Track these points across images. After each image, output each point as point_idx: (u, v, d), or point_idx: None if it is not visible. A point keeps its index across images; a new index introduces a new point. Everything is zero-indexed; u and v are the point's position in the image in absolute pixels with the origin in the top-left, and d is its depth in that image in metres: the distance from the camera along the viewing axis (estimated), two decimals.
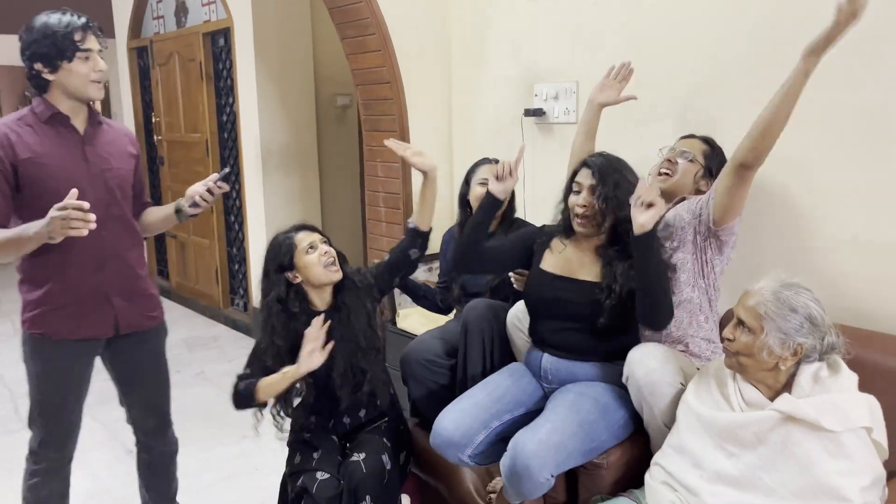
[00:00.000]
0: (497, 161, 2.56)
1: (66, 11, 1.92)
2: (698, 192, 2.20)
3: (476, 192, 2.62)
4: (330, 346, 2.07)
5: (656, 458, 1.86)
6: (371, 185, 3.52)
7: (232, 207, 5.06)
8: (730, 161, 1.93)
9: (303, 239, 2.13)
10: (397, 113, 3.27)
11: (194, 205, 2.14)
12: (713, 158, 2.23)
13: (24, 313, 2.04)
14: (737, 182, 1.91)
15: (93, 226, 1.70)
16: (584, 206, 2.05)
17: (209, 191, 2.13)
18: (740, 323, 1.66)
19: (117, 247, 2.07)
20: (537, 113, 3.01)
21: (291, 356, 2.09)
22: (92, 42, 1.92)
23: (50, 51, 1.87)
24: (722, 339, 1.74)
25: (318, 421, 2.26)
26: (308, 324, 2.10)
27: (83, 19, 1.92)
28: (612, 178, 2.02)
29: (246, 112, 4.56)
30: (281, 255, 2.12)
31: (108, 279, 2.06)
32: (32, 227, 1.77)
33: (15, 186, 1.92)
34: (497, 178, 2.14)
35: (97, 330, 2.08)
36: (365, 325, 2.18)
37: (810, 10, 2.18)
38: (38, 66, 1.91)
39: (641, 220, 1.86)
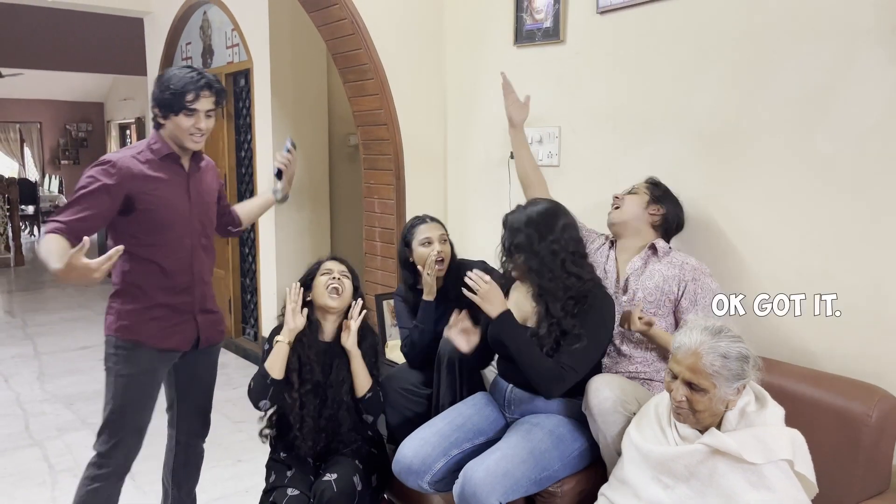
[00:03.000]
0: (432, 219, 2.69)
1: (192, 70, 2.14)
2: (652, 217, 2.37)
3: (422, 254, 2.59)
4: (304, 314, 2.30)
5: (603, 488, 1.93)
6: (368, 220, 3.67)
7: (247, 240, 5.25)
8: None
9: (328, 266, 2.37)
10: (393, 153, 3.44)
11: (278, 174, 2.52)
12: (657, 189, 2.42)
13: (118, 321, 2.21)
14: None
15: (98, 276, 1.80)
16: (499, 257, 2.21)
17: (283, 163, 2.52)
18: (690, 385, 1.68)
19: (203, 271, 2.31)
20: None
21: (298, 376, 2.31)
22: (202, 103, 2.12)
23: (164, 102, 2.13)
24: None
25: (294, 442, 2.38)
26: (312, 348, 2.31)
27: (202, 81, 2.12)
28: (520, 238, 2.12)
29: (262, 149, 4.77)
30: (307, 274, 2.40)
31: (195, 299, 2.28)
32: (51, 261, 1.84)
33: (124, 210, 2.11)
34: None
35: (182, 342, 2.29)
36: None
37: (772, 63, 2.30)
38: (155, 110, 2.18)
39: (487, 309, 2.08)
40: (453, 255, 2.66)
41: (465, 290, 2.10)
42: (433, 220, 2.69)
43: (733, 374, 1.66)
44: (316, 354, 2.32)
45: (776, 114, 2.29)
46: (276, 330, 2.35)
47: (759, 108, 2.34)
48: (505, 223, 2.20)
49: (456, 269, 2.59)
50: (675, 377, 1.72)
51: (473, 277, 2.09)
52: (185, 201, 2.23)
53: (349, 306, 2.34)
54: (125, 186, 2.09)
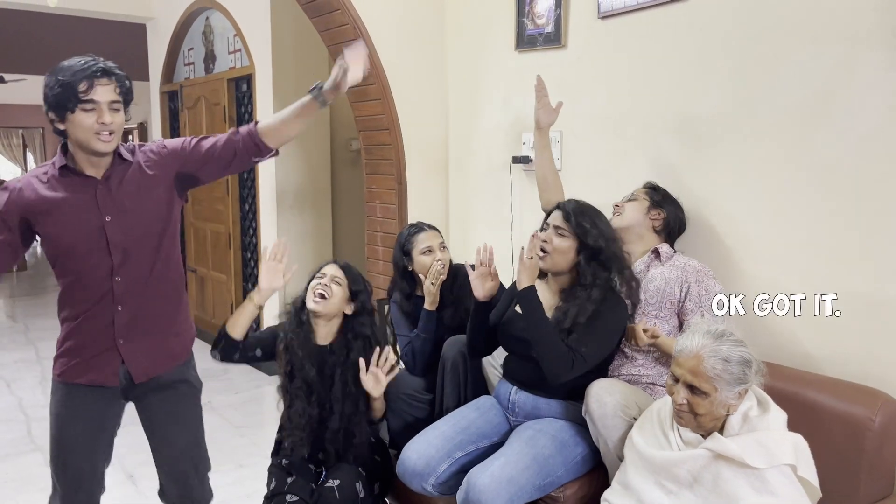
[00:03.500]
0: (430, 226, 2.67)
1: (85, 57, 1.81)
2: (653, 222, 2.37)
3: (424, 263, 2.56)
4: (291, 270, 2.22)
5: (605, 494, 1.93)
6: (370, 225, 3.68)
7: (248, 244, 5.26)
8: None
9: (324, 269, 2.32)
10: (395, 158, 3.44)
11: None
12: (656, 193, 2.43)
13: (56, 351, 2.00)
14: None
15: None
16: (546, 241, 2.18)
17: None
18: (691, 388, 1.69)
19: (136, 292, 1.92)
20: (525, 160, 3.15)
21: (289, 375, 2.28)
22: (99, 92, 1.76)
23: (56, 100, 1.77)
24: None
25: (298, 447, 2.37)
26: (303, 349, 2.26)
27: (95, 66, 1.78)
28: (580, 219, 2.15)
29: None
30: (311, 276, 2.33)
31: (115, 327, 1.92)
32: None
33: (28, 235, 1.89)
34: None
35: (101, 376, 1.96)
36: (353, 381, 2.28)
37: (773, 67, 2.31)
38: (50, 115, 1.80)
39: (520, 276, 2.09)
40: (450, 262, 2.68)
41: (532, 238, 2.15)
42: (431, 227, 2.67)
43: (735, 378, 1.66)
44: (308, 356, 2.27)
45: (777, 117, 2.29)
46: (281, 325, 2.35)
47: (759, 112, 2.34)
48: (562, 206, 2.21)
49: (453, 276, 2.60)
50: (676, 380, 1.72)
51: (528, 248, 2.11)
52: (93, 218, 1.85)
53: (340, 313, 2.30)
54: (16, 211, 1.83)
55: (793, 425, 1.71)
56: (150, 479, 2.85)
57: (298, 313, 2.31)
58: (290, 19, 4.49)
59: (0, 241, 1.85)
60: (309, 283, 2.31)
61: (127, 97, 1.85)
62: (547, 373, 2.05)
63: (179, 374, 2.09)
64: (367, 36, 3.29)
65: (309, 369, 2.27)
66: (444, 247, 2.64)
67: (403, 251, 2.63)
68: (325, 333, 2.31)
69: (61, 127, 1.81)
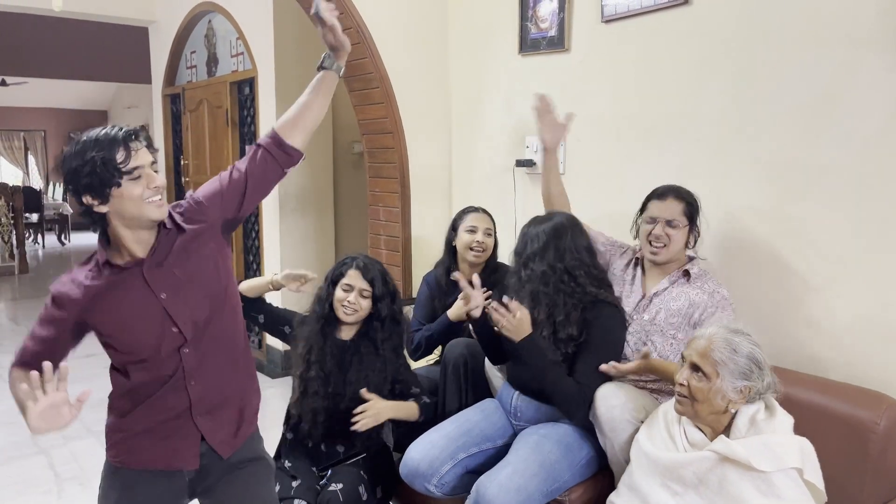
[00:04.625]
0: (484, 211, 2.79)
1: (98, 129, 1.62)
2: (688, 241, 2.27)
3: (464, 239, 2.75)
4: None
5: (612, 496, 1.93)
6: (373, 228, 3.68)
7: (251, 247, 5.26)
8: None
9: (352, 279, 2.35)
10: (398, 161, 3.45)
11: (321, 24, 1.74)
12: (694, 212, 2.26)
13: (107, 440, 1.80)
14: None
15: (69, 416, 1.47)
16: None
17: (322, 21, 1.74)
18: (694, 368, 1.73)
19: (203, 365, 1.72)
20: (528, 163, 3.16)
21: (306, 362, 2.33)
22: (140, 156, 1.59)
23: (93, 182, 1.55)
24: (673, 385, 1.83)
25: (301, 448, 2.38)
26: (327, 340, 2.34)
27: (122, 132, 1.59)
28: (525, 256, 2.21)
29: None
30: (335, 269, 2.41)
31: (192, 401, 1.71)
32: (23, 413, 1.49)
33: (81, 334, 1.71)
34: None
35: (180, 459, 1.75)
36: (379, 375, 2.33)
37: (776, 70, 2.32)
38: (87, 199, 1.58)
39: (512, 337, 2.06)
40: (494, 253, 2.80)
41: (493, 311, 2.07)
42: (485, 212, 2.83)
43: (739, 370, 1.67)
44: (330, 350, 2.35)
45: (780, 121, 2.30)
46: (303, 320, 2.42)
47: (763, 114, 2.35)
48: (521, 233, 2.25)
49: (493, 269, 2.73)
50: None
51: (501, 311, 2.05)
52: (149, 307, 1.64)
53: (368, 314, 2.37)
54: (70, 318, 1.65)
55: (798, 429, 1.71)
56: None
57: (324, 310, 2.37)
58: (293, 22, 4.50)
59: (52, 343, 1.67)
60: (328, 277, 2.40)
61: (155, 152, 1.67)
62: (563, 413, 2.11)
63: (252, 451, 1.86)
64: (371, 39, 3.30)
65: (328, 362, 2.33)
66: (490, 233, 2.77)
67: (453, 227, 2.82)
68: (348, 329, 2.40)
69: (103, 210, 1.58)
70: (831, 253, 2.20)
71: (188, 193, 1.79)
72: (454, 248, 2.80)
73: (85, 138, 1.59)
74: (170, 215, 1.69)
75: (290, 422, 2.43)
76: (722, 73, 2.45)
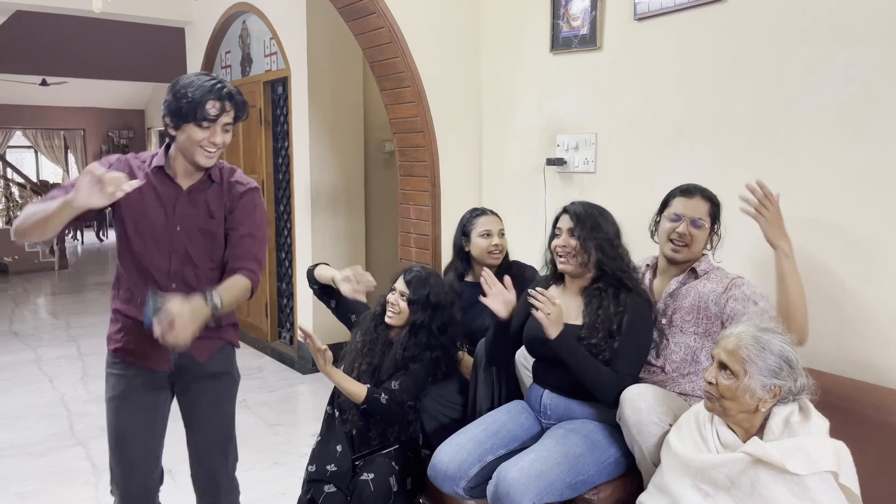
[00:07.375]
0: (493, 213, 2.78)
1: (213, 78, 1.91)
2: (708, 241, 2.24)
3: (481, 245, 2.71)
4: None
5: (641, 497, 1.92)
6: (404, 226, 3.70)
7: (283, 244, 5.33)
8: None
9: (398, 282, 2.49)
10: (429, 160, 3.46)
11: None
12: (717, 214, 2.25)
13: (109, 329, 2.14)
14: None
15: (127, 187, 1.72)
16: (564, 245, 2.21)
17: None
18: (722, 366, 1.72)
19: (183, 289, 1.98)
20: (559, 162, 3.15)
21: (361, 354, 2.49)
22: (221, 116, 1.89)
23: (178, 111, 1.88)
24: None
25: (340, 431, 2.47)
26: (379, 339, 2.49)
27: (224, 91, 1.89)
28: (588, 222, 2.19)
29: (299, 155, 4.84)
30: (395, 275, 2.55)
31: None
32: (62, 193, 1.79)
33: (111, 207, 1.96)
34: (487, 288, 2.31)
35: (154, 360, 2.05)
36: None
37: (811, 70, 2.28)
38: (166, 119, 1.92)
39: (549, 331, 2.07)
40: (507, 252, 2.79)
41: (531, 300, 2.09)
42: (493, 213, 2.80)
43: (768, 367, 1.65)
44: (381, 345, 2.48)
45: (814, 121, 2.26)
46: (366, 314, 2.60)
47: (797, 115, 2.31)
48: (569, 210, 2.24)
49: (507, 267, 2.72)
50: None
51: (541, 298, 2.08)
52: (161, 220, 1.97)
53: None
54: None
55: (835, 432, 1.68)
56: (187, 474, 2.90)
57: (382, 311, 2.52)
58: (326, 22, 4.55)
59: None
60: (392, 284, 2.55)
61: (239, 120, 1.96)
62: (602, 401, 2.12)
63: (226, 365, 2.18)
64: (403, 39, 3.32)
65: (377, 356, 2.46)
66: (502, 233, 2.76)
67: (463, 232, 2.77)
68: (396, 331, 2.50)
69: (173, 133, 1.93)
70: (873, 254, 2.16)
71: (251, 183, 2.10)
72: (466, 252, 2.76)
73: (193, 77, 1.90)
74: (220, 169, 2.03)
75: (335, 400, 2.52)
76: (755, 72, 2.42)
